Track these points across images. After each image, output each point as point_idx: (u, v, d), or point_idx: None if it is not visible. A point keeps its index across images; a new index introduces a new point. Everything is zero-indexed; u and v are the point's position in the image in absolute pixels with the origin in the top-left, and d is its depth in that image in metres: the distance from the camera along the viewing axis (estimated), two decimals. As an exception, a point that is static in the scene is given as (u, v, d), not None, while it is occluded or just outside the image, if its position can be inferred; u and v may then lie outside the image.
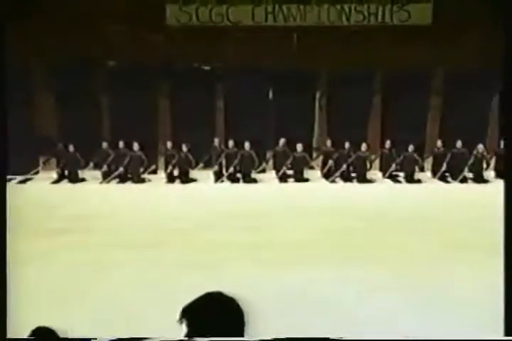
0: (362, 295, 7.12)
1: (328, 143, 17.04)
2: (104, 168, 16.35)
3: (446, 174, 16.53)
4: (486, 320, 5.43)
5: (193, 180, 16.40)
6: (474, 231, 10.39)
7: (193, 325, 2.58)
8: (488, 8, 16.43)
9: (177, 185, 16.13)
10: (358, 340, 3.33)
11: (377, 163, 17.01)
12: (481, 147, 16.48)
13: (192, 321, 2.59)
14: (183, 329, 2.58)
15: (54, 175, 16.53)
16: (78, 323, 5.48)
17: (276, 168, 16.83)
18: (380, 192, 15.22)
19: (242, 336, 2.61)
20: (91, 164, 16.48)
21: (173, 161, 16.46)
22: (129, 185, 16.04)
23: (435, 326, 6.12)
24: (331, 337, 2.81)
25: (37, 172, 16.78)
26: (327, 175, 16.58)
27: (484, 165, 16.49)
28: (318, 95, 18.07)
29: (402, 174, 16.58)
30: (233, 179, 16.44)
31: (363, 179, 16.30)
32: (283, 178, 16.46)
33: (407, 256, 8.87)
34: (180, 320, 2.60)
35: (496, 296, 4.19)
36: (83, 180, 16.40)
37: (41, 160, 17.00)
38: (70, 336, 4.09)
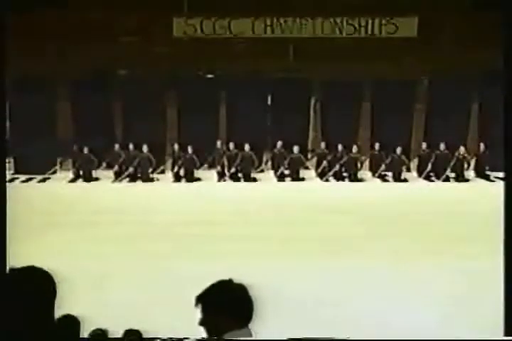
0: (353, 288, 7.05)
1: (322, 145, 17.04)
2: (116, 168, 16.31)
3: (431, 174, 16.52)
4: (486, 320, 5.27)
5: (198, 179, 16.37)
6: (459, 224, 10.41)
7: (205, 312, 2.56)
8: (468, 23, 16.53)
9: (183, 183, 16.09)
10: (360, 340, 3.25)
11: (367, 163, 16.98)
12: (462, 149, 16.48)
13: (204, 308, 2.57)
14: (198, 315, 2.55)
15: (70, 175, 16.49)
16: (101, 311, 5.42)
17: (275, 168, 16.80)
18: (370, 190, 15.24)
19: (250, 320, 2.59)
20: (104, 164, 16.46)
21: (180, 162, 16.42)
22: (138, 184, 16.01)
23: (435, 326, 5.93)
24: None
25: (54, 172, 16.76)
26: (321, 175, 16.56)
27: (465, 166, 16.51)
28: (312, 101, 18.05)
29: (390, 174, 16.58)
30: (235, 178, 16.42)
31: (354, 178, 16.30)
32: (280, 177, 16.46)
33: (398, 251, 8.84)
34: (196, 306, 2.58)
35: (497, 296, 4.06)
36: (97, 179, 16.36)
37: (58, 161, 17.01)
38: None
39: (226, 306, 2.57)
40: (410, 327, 5.86)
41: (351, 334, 2.86)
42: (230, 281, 2.63)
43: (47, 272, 2.54)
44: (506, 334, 3.62)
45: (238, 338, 2.48)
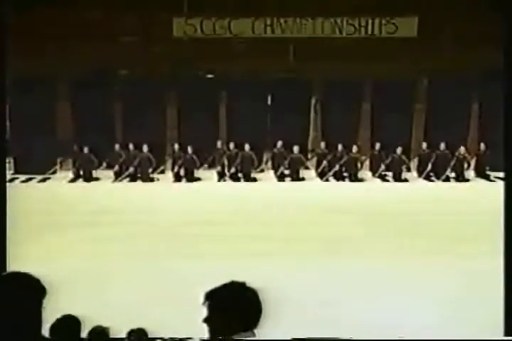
0: (352, 288, 7.03)
1: (322, 145, 17.03)
2: (116, 168, 16.30)
3: (431, 174, 16.51)
4: (486, 320, 5.25)
5: (198, 179, 16.37)
6: (459, 224, 10.40)
7: (213, 310, 2.51)
8: (468, 23, 16.53)
9: (183, 183, 16.09)
10: (363, 340, 3.24)
11: (367, 163, 16.98)
12: (462, 149, 16.48)
13: (212, 306, 2.52)
14: (204, 312, 2.51)
15: (70, 175, 16.49)
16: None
17: (275, 168, 16.80)
18: (370, 190, 15.23)
19: (256, 325, 2.54)
20: (104, 164, 16.46)
21: (180, 162, 16.41)
22: (139, 184, 16.01)
23: (435, 326, 5.89)
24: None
25: (54, 172, 16.76)
26: (321, 175, 16.55)
27: (465, 166, 16.50)
28: (313, 101, 18.04)
29: (390, 174, 16.57)
30: (235, 178, 16.41)
31: (354, 178, 16.29)
32: (281, 177, 16.46)
33: (398, 251, 8.82)
34: (204, 303, 2.53)
35: (497, 296, 4.05)
36: (97, 179, 16.36)
37: (58, 161, 17.01)
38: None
39: (235, 309, 2.52)
40: (410, 327, 5.83)
41: (351, 334, 2.85)
42: (242, 284, 2.59)
43: (32, 278, 2.46)
44: (506, 334, 3.59)
45: (243, 338, 2.46)
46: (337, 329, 5.39)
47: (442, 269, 7.76)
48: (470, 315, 6.14)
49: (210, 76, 17.67)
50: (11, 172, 16.34)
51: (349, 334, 2.87)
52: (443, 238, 9.53)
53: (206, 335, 2.51)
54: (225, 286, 2.57)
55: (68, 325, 4.12)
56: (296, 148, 16.61)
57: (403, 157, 16.60)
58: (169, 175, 16.59)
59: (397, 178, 16.32)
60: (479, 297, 6.64)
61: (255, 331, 2.54)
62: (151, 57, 16.75)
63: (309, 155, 17.51)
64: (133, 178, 16.27)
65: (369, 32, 17.12)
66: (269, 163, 17.10)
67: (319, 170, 16.74)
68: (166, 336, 2.57)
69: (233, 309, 2.52)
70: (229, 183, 16.03)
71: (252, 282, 2.64)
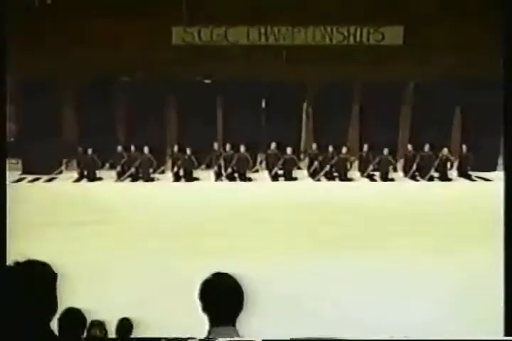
0: (350, 287, 6.95)
1: (314, 146, 17.02)
2: (119, 168, 16.27)
3: (416, 173, 16.53)
4: (486, 320, 5.15)
5: (196, 179, 16.34)
6: (445, 222, 10.39)
7: (202, 300, 2.55)
8: (451, 33, 16.56)
9: (182, 183, 16.06)
10: (360, 340, 3.19)
11: (356, 164, 16.97)
12: (445, 150, 16.49)
13: (201, 296, 2.57)
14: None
15: (75, 175, 16.45)
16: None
17: (269, 169, 16.78)
18: (359, 189, 15.22)
19: (241, 309, 2.55)
20: (107, 165, 16.40)
21: (179, 163, 16.39)
22: (140, 184, 15.95)
23: (435, 326, 5.77)
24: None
25: (60, 172, 16.70)
26: (313, 175, 16.55)
27: (448, 166, 16.50)
28: (305, 105, 18.02)
29: (377, 173, 16.57)
30: (231, 178, 16.38)
31: (344, 178, 16.29)
32: (274, 177, 16.43)
33: (394, 249, 8.75)
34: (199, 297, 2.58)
35: (496, 296, 3.99)
36: (100, 179, 16.31)
37: (64, 162, 16.95)
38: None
39: (214, 299, 2.55)
40: (410, 327, 5.70)
41: (351, 333, 2.80)
42: (224, 273, 2.62)
43: (45, 264, 2.44)
44: (506, 334, 3.52)
45: (242, 338, 2.43)
46: (336, 328, 5.31)
47: (442, 269, 7.66)
48: (470, 314, 6.04)
49: (207, 81, 17.61)
50: (19, 172, 16.27)
51: (349, 333, 2.82)
52: (437, 236, 9.49)
53: (206, 335, 2.48)
54: (209, 278, 2.60)
55: (75, 317, 4.07)
56: (289, 150, 16.59)
57: (390, 158, 16.60)
58: (169, 175, 16.56)
59: (384, 178, 16.32)
60: (479, 297, 6.52)
61: (238, 329, 2.51)
62: (151, 64, 16.69)
63: (301, 156, 17.49)
64: (134, 178, 16.23)
65: (357, 40, 17.12)
66: (264, 164, 17.07)
67: (311, 170, 16.72)
68: (166, 334, 2.53)
69: (212, 299, 2.54)
70: (225, 183, 16.00)
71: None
